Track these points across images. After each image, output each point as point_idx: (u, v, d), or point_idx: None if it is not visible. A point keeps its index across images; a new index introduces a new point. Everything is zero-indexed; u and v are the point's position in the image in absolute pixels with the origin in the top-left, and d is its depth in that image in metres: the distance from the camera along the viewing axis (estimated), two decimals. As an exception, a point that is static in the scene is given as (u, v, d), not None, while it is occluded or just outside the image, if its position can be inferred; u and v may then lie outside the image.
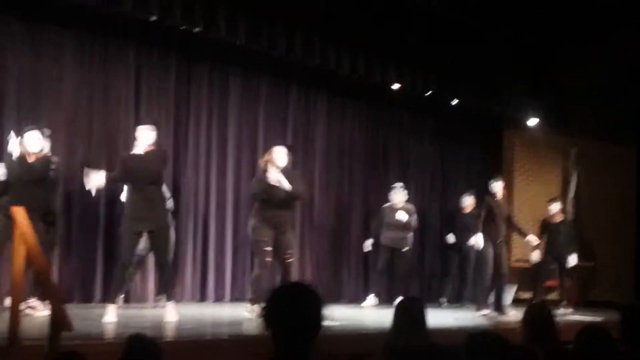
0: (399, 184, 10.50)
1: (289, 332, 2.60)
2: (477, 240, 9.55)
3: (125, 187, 7.50)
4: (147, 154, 6.94)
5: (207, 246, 9.69)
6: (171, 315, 6.97)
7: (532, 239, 10.02)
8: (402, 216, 10.06)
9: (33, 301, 6.94)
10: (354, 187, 11.38)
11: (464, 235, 11.02)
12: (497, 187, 9.84)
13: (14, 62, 8.11)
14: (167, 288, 7.22)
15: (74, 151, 8.47)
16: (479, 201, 10.47)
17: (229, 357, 5.67)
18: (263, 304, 2.71)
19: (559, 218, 10.95)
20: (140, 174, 6.87)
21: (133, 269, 7.95)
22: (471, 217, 10.93)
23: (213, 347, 5.80)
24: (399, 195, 10.34)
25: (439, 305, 10.98)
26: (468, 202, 11.26)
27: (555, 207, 10.93)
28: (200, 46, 9.38)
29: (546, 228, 10.94)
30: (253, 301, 7.64)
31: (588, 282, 12.57)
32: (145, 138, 6.96)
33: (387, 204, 10.42)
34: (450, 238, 11.30)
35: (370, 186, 11.47)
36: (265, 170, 7.83)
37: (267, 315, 2.65)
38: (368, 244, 10.43)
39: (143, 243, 7.48)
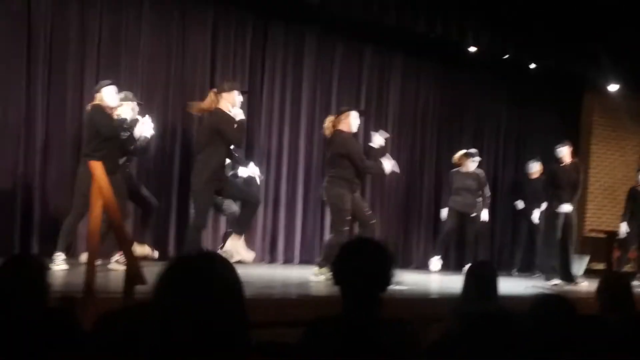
0: (473, 150, 10.36)
1: (357, 287, 2.60)
2: (535, 215, 9.41)
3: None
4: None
5: (278, 209, 9.75)
6: None
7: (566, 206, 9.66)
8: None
9: (118, 255, 7.09)
10: (426, 149, 11.27)
11: (532, 203, 10.86)
12: (564, 152, 9.58)
13: (94, 20, 8.22)
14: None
15: (151, 109, 8.58)
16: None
17: (298, 315, 5.71)
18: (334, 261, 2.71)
19: None
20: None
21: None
22: (538, 184, 10.75)
23: (281, 305, 5.86)
24: (471, 161, 10.22)
25: (509, 274, 10.84)
26: (535, 168, 11.04)
27: None
28: (278, 6, 9.38)
29: (633, 196, 10.62)
30: (322, 265, 7.62)
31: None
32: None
33: (455, 169, 10.31)
34: (520, 204, 11.12)
35: (443, 149, 11.32)
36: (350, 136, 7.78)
37: (337, 270, 2.66)
38: (444, 213, 10.33)
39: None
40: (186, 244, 7.29)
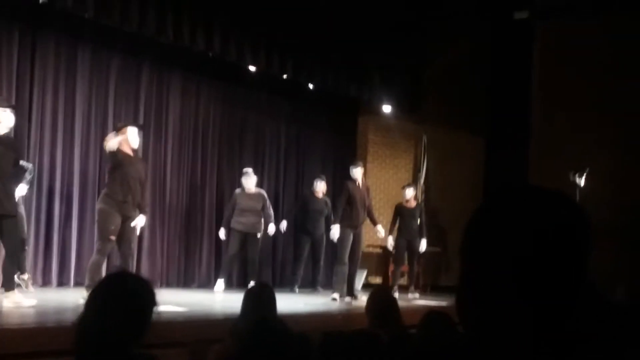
0: (249, 169, 10.44)
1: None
2: (334, 231, 9.59)
3: None
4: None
5: (51, 229, 9.24)
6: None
7: (381, 229, 10.17)
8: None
9: None
10: (207, 168, 11.18)
11: (315, 220, 11.08)
12: (358, 172, 9.89)
13: None
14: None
15: None
16: (334, 186, 10.52)
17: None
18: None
19: (413, 203, 11.15)
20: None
21: None
22: (322, 202, 11.03)
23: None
24: (250, 180, 10.26)
25: (292, 290, 10.96)
26: (320, 186, 11.29)
27: (410, 193, 11.12)
28: (46, 16, 8.90)
29: (399, 213, 11.12)
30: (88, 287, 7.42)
31: (438, 267, 12.89)
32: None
33: (239, 190, 10.34)
34: (283, 225, 11.19)
35: (224, 168, 11.31)
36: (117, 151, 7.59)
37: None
38: (222, 233, 10.28)
39: None
40: None
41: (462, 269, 1.17)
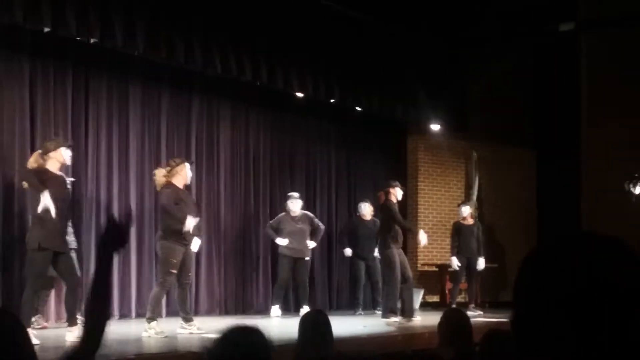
0: (295, 193, 10.55)
1: None
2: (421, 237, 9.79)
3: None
4: None
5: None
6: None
7: (423, 236, 10.03)
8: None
9: None
10: (260, 195, 11.29)
11: (367, 243, 11.11)
12: (398, 192, 9.89)
13: None
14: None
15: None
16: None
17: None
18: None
19: (470, 221, 11.11)
20: None
21: None
22: (371, 224, 11.06)
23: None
24: (297, 204, 10.40)
25: (353, 313, 10.99)
26: (366, 209, 11.30)
27: (466, 210, 11.10)
28: (98, 56, 9.16)
29: (459, 231, 11.09)
30: (150, 319, 7.64)
31: (495, 283, 12.80)
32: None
33: (283, 213, 10.45)
34: (347, 252, 11.27)
35: (277, 194, 11.40)
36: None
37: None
38: (280, 240, 10.33)
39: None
40: None
41: (516, 309, 1.23)
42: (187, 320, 7.78)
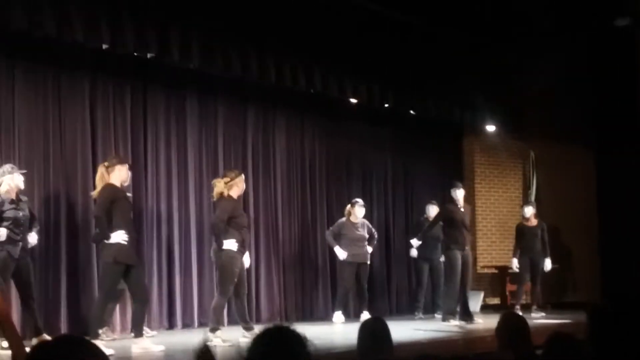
0: (360, 200, 10.58)
1: None
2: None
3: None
4: None
5: (172, 273, 9.59)
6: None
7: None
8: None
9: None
10: (317, 202, 11.36)
11: (433, 246, 11.08)
12: (459, 194, 9.89)
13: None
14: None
15: (32, 184, 8.32)
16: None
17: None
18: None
19: (534, 222, 11.02)
20: None
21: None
22: (437, 227, 10.99)
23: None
24: (362, 211, 10.47)
25: (414, 317, 10.99)
26: (433, 212, 11.28)
27: (529, 211, 11.00)
28: (155, 72, 9.36)
29: (521, 232, 11.01)
30: (213, 329, 7.73)
31: (558, 284, 12.65)
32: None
33: (343, 219, 10.51)
34: (413, 252, 11.26)
35: (333, 200, 11.46)
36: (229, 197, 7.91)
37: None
38: (340, 252, 10.39)
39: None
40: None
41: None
42: (248, 328, 7.87)
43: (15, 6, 7.06)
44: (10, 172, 7.29)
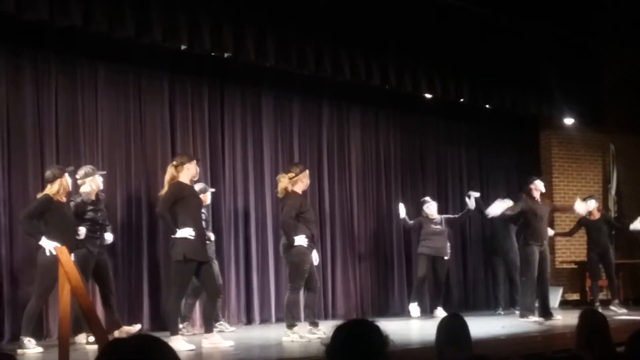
0: (428, 198, 10.68)
1: None
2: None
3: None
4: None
5: (250, 269, 9.72)
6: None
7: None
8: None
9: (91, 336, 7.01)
10: (392, 196, 11.34)
11: (501, 238, 10.97)
12: (539, 187, 9.73)
13: (51, 97, 8.22)
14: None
15: (114, 182, 8.57)
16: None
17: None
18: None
19: (597, 215, 10.79)
20: None
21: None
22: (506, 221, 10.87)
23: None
24: (433, 208, 10.52)
25: (493, 313, 10.91)
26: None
27: (592, 205, 10.75)
28: (231, 70, 9.51)
29: (585, 227, 10.80)
30: (289, 325, 7.73)
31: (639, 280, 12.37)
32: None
33: (422, 216, 10.56)
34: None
35: (408, 195, 11.42)
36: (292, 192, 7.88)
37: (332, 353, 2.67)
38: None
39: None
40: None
41: None
42: (315, 324, 7.85)
43: (96, 9, 7.26)
44: (91, 174, 7.52)
